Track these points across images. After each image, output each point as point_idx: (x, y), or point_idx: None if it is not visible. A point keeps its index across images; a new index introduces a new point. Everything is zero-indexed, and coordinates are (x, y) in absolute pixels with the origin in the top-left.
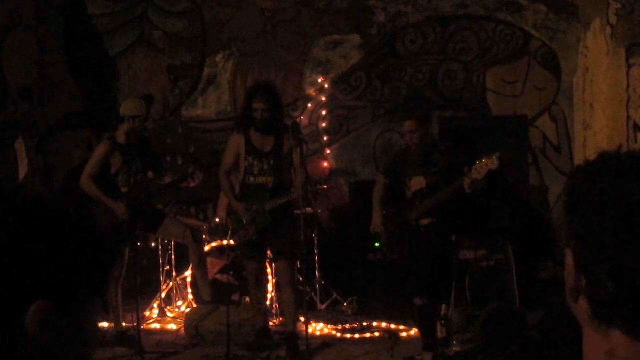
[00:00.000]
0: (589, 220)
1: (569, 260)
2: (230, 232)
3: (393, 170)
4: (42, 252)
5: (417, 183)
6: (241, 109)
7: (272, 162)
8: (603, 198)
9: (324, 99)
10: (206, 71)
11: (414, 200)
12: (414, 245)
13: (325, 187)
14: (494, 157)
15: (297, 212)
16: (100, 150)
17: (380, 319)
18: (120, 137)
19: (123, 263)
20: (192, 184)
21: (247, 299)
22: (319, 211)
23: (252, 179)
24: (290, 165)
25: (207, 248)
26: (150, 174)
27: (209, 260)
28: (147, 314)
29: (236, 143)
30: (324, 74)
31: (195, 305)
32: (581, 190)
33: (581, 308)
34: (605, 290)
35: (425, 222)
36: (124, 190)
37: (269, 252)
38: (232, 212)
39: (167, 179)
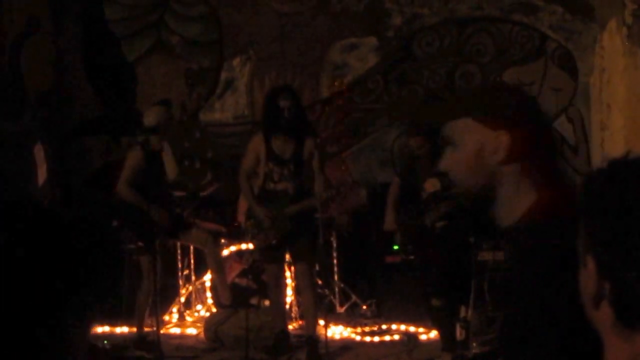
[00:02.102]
0: (614, 225)
1: (590, 266)
2: (250, 236)
3: (407, 172)
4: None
5: (431, 185)
6: (264, 111)
7: (292, 167)
8: (627, 201)
9: (340, 102)
10: (223, 75)
11: (429, 202)
12: (430, 247)
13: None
14: None
15: (316, 215)
16: (135, 157)
17: (399, 321)
18: (149, 145)
19: (157, 271)
20: (206, 193)
21: (266, 302)
22: (337, 214)
23: (272, 185)
24: (310, 171)
25: (225, 252)
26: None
27: (227, 263)
28: (167, 318)
29: (256, 147)
30: (341, 77)
31: (214, 309)
32: (601, 195)
33: (603, 314)
34: (633, 293)
35: (440, 223)
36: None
37: (287, 256)
38: (251, 216)
39: (179, 193)
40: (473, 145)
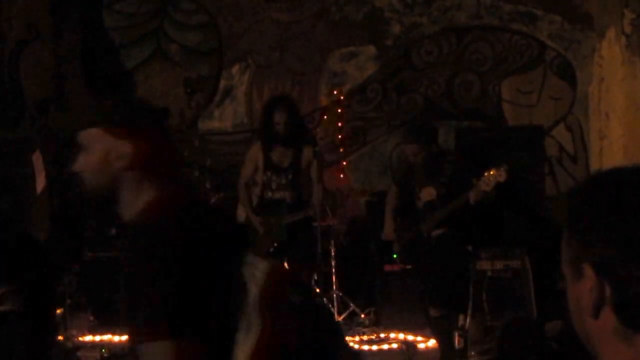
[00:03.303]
0: (613, 225)
1: (588, 274)
2: None
3: (404, 180)
4: None
5: (428, 193)
6: (260, 122)
7: (290, 176)
8: (622, 202)
9: (339, 110)
10: (222, 83)
11: (425, 211)
12: (428, 256)
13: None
14: (502, 169)
15: (314, 224)
16: None
17: (397, 329)
18: None
19: None
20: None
21: None
22: (335, 223)
23: (270, 194)
24: (309, 179)
25: None
26: None
27: None
28: None
29: (254, 156)
30: (340, 85)
31: None
32: (594, 201)
33: (603, 321)
34: (636, 289)
35: (437, 232)
36: None
37: (285, 264)
38: (249, 224)
39: None
40: (100, 152)
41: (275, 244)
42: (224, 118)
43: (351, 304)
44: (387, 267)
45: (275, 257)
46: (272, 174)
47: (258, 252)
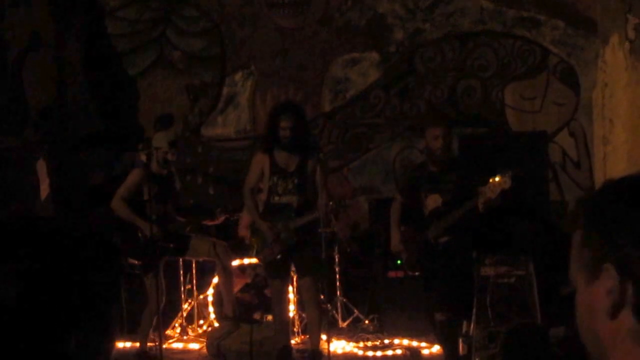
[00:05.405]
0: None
1: (612, 274)
2: (254, 251)
3: (409, 188)
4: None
5: (433, 200)
6: (266, 127)
7: (296, 181)
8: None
9: (342, 117)
10: (225, 90)
11: (431, 218)
12: (433, 262)
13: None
14: (507, 176)
15: (319, 230)
16: (135, 175)
17: (401, 335)
18: (153, 166)
19: (161, 290)
20: (213, 223)
21: (269, 317)
22: (339, 229)
23: (276, 198)
24: (314, 184)
25: None
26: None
27: None
28: (169, 333)
29: (260, 162)
30: (343, 91)
31: (217, 324)
32: (621, 202)
33: (620, 323)
34: None
35: (443, 239)
36: (153, 218)
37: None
38: (255, 231)
39: (185, 219)
40: None
41: (285, 249)
42: (227, 124)
43: (355, 310)
44: (391, 274)
45: (282, 263)
46: (279, 178)
47: (267, 258)
